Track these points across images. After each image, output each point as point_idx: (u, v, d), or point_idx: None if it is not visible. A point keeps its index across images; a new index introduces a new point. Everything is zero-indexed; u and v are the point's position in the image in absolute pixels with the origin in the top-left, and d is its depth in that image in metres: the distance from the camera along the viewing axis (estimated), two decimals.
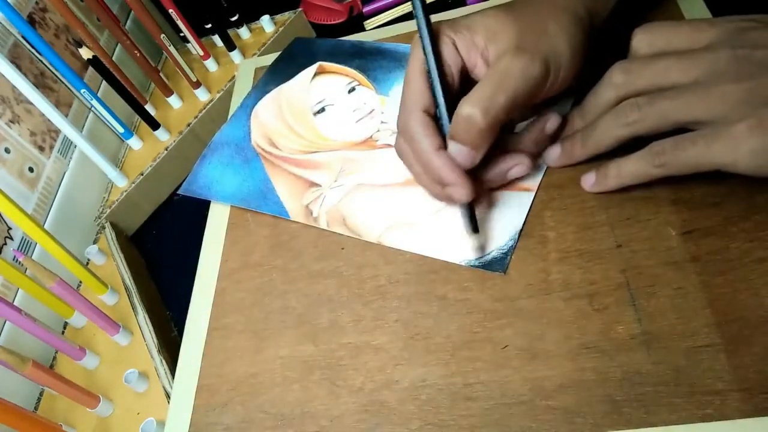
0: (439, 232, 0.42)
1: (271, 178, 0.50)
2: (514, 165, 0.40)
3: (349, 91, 0.54)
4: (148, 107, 0.70)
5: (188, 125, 0.68)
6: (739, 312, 0.33)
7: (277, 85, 0.57)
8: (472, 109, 0.36)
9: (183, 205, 0.67)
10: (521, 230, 0.40)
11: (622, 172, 0.37)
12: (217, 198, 0.50)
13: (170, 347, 0.50)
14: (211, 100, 0.70)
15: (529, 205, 0.41)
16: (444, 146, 0.38)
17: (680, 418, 0.31)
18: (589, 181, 0.39)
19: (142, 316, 0.53)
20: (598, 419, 0.32)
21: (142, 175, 0.65)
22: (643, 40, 0.36)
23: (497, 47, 0.38)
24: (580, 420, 0.33)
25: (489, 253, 0.40)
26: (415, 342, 0.38)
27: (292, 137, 0.52)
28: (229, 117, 0.56)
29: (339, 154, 0.49)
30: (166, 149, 0.67)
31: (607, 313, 0.33)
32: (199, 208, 0.52)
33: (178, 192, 0.52)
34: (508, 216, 0.41)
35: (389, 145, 0.48)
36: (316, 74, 0.56)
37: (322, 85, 0.55)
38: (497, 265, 0.39)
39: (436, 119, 0.39)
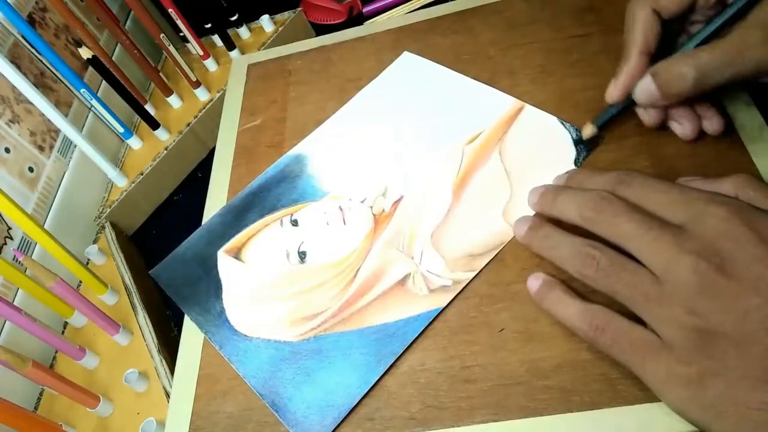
0: (532, 177, 0.44)
1: (363, 326, 0.42)
2: (707, 119, 0.41)
3: (294, 224, 0.49)
4: (148, 107, 0.71)
5: (188, 125, 0.69)
6: None
7: (217, 303, 0.47)
8: (688, 70, 0.37)
9: (183, 205, 0.69)
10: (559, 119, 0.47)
11: (558, 310, 0.36)
12: (355, 397, 0.39)
13: (170, 347, 0.51)
14: (211, 100, 0.71)
15: (536, 108, 0.48)
16: (649, 54, 0.40)
17: None
18: (532, 284, 0.38)
19: (142, 316, 0.54)
20: (594, 397, 0.34)
21: (142, 174, 0.66)
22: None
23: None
24: (577, 398, 0.34)
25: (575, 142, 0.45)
26: None
27: (318, 292, 0.45)
28: (220, 349, 0.44)
29: (378, 246, 0.45)
30: (166, 149, 0.68)
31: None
32: (199, 208, 0.54)
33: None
34: (541, 124, 0.47)
35: (397, 201, 0.47)
36: (236, 257, 0.49)
37: (261, 251, 0.48)
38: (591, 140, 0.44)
39: (663, 24, 0.40)
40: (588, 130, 0.44)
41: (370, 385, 0.39)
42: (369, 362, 0.40)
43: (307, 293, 0.45)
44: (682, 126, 0.41)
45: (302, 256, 0.47)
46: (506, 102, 0.49)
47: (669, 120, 0.42)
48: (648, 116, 0.42)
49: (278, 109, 0.59)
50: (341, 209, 0.48)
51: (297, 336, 0.43)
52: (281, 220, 0.50)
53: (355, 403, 0.38)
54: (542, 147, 0.46)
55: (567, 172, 0.41)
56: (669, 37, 0.41)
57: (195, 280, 0.49)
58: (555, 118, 0.47)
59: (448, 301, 0.41)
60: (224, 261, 0.49)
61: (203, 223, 0.52)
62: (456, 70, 0.54)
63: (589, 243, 0.34)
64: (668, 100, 0.39)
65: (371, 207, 0.48)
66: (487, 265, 0.42)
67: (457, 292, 0.41)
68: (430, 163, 0.48)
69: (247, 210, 0.51)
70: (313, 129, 0.56)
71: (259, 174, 0.54)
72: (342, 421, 0.38)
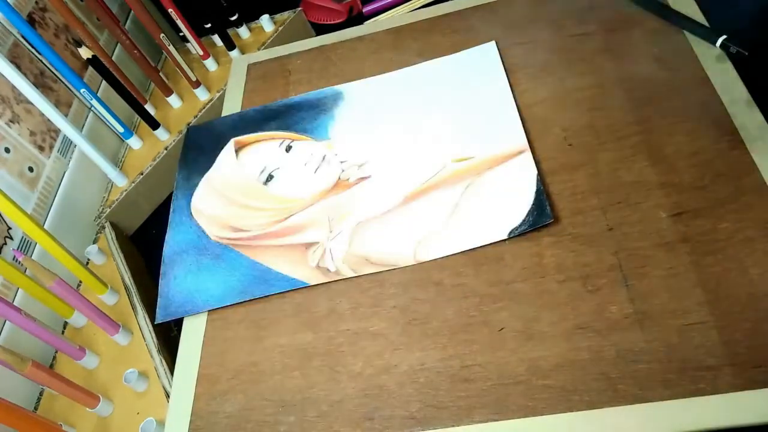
0: (469, 223, 0.44)
1: (258, 260, 0.49)
2: None
3: (287, 150, 0.55)
4: (148, 107, 0.72)
5: (188, 125, 0.70)
6: (729, 290, 0.36)
7: (199, 177, 0.57)
8: None
9: None
10: (537, 177, 0.44)
11: None
12: (208, 305, 0.48)
13: (170, 347, 0.52)
14: (211, 100, 0.72)
15: (532, 159, 0.45)
16: None
17: (674, 393, 0.33)
18: None
19: (142, 316, 0.54)
20: (593, 396, 0.35)
21: (141, 174, 0.67)
22: None
23: None
24: (576, 398, 0.35)
25: (527, 215, 0.43)
26: (412, 327, 0.41)
27: (254, 214, 0.52)
28: (171, 212, 0.55)
29: (317, 206, 0.50)
30: (166, 149, 0.68)
31: (601, 294, 0.35)
32: None
33: (155, 321, 0.50)
34: (519, 177, 0.45)
35: (363, 178, 0.50)
36: (237, 151, 0.57)
37: (252, 157, 0.56)
38: (542, 216, 0.42)
39: None
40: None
41: (219, 306, 0.47)
42: (236, 288, 0.47)
43: (247, 209, 0.52)
44: None
45: (269, 178, 0.53)
46: (515, 138, 0.48)
47: None
48: None
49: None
50: (323, 159, 0.53)
51: (215, 236, 0.52)
52: (282, 141, 0.55)
53: (199, 311, 0.47)
54: (500, 205, 0.45)
55: None
56: None
57: (206, 150, 0.58)
58: (535, 175, 0.45)
59: (317, 282, 0.45)
60: (228, 149, 0.57)
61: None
62: None
63: None
64: None
65: (343, 171, 0.51)
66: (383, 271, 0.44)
67: (330, 280, 0.45)
68: (410, 161, 0.50)
69: (273, 117, 0.58)
70: None
71: None
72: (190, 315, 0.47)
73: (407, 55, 0.58)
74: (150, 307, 0.55)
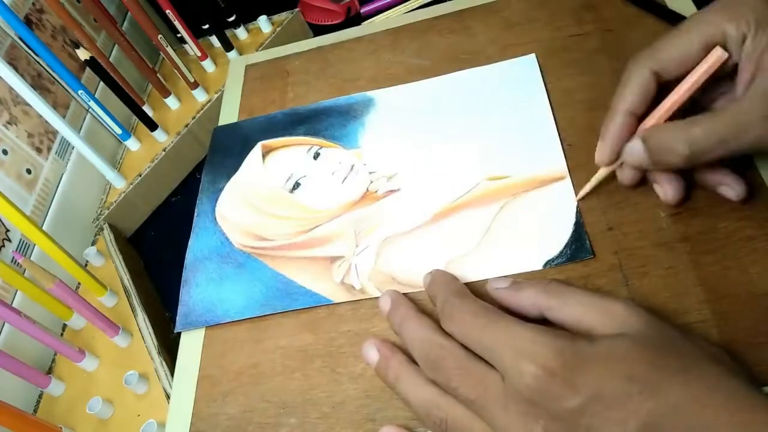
0: (502, 248, 0.42)
1: (281, 271, 0.47)
2: (726, 185, 0.38)
3: (315, 157, 0.53)
4: (146, 108, 0.72)
5: (186, 126, 0.70)
6: (729, 289, 0.36)
7: (225, 180, 0.55)
8: (681, 146, 0.35)
9: (181, 206, 0.69)
10: (578, 208, 0.42)
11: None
12: (230, 316, 0.46)
13: (170, 348, 0.52)
14: (209, 101, 0.72)
15: (572, 188, 0.43)
16: (637, 116, 0.38)
17: None
18: (370, 354, 0.39)
19: (142, 318, 0.54)
20: None
21: (140, 176, 0.67)
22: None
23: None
24: None
25: (565, 246, 0.41)
26: None
27: (279, 223, 0.50)
28: (195, 216, 0.54)
29: (344, 219, 0.48)
30: (164, 150, 0.69)
31: (601, 293, 0.35)
32: None
33: (175, 330, 0.48)
34: (557, 205, 0.43)
35: (392, 191, 0.48)
36: (264, 155, 0.56)
37: (279, 163, 0.54)
38: (581, 251, 0.40)
39: (661, 87, 0.37)
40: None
41: (241, 318, 0.46)
42: (258, 300, 0.46)
43: (272, 217, 0.51)
44: (663, 189, 0.39)
45: (296, 186, 0.52)
46: (554, 162, 0.46)
47: (652, 182, 0.40)
48: (624, 175, 0.40)
49: (276, 109, 0.59)
50: (351, 168, 0.51)
51: (239, 244, 0.50)
52: (310, 148, 0.54)
53: (220, 322, 0.46)
54: (535, 231, 0.43)
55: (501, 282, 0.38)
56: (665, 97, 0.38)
57: (232, 152, 0.57)
58: (575, 205, 0.43)
59: (342, 300, 0.44)
60: (255, 153, 0.56)
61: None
62: (453, 70, 0.54)
63: (438, 397, 0.34)
64: (658, 167, 0.37)
65: (371, 182, 0.50)
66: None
67: (355, 299, 0.44)
68: (442, 176, 0.48)
69: (301, 122, 0.57)
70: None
71: None
72: (211, 326, 0.46)
73: (405, 56, 0.58)
74: (150, 308, 0.56)
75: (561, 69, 0.51)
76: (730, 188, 0.38)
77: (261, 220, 0.51)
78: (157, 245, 0.67)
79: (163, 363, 0.50)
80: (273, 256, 0.48)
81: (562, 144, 0.46)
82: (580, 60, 0.51)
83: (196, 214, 0.54)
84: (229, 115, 0.61)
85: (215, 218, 0.53)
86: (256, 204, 0.52)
